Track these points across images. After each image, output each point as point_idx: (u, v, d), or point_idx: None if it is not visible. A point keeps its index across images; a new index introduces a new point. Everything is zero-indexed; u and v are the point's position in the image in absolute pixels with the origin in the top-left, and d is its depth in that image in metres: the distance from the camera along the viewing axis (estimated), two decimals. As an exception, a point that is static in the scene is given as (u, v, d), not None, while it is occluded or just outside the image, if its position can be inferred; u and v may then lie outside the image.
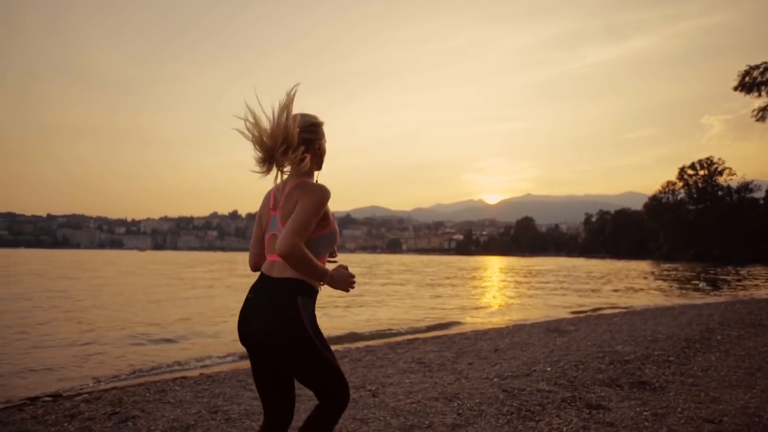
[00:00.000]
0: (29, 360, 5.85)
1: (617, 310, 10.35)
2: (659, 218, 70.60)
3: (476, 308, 11.26)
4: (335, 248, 1.77)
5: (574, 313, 10.39)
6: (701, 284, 19.32)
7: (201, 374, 4.77)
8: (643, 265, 45.33)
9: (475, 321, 9.13)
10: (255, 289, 1.61)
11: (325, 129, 1.73)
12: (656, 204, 72.40)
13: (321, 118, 1.73)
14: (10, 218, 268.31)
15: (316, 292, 1.63)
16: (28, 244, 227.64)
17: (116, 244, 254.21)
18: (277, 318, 1.52)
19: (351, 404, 3.26)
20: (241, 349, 6.30)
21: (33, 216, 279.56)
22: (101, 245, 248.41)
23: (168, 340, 7.03)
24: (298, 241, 1.47)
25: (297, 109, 1.64)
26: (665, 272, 30.94)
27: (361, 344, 6.29)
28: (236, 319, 1.66)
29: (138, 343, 6.79)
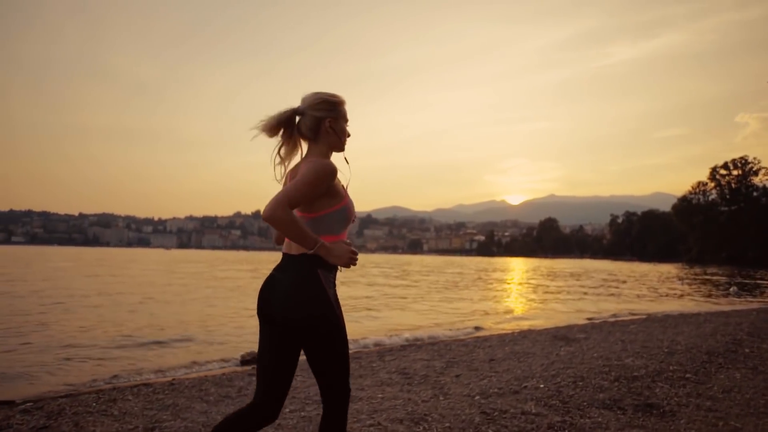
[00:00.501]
0: (13, 361, 5.64)
1: (636, 317, 9.67)
2: (689, 220, 67.96)
3: (488, 313, 10.71)
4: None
5: (590, 318, 9.78)
6: (732, 289, 18.19)
7: (172, 380, 4.45)
8: (671, 269, 43.58)
9: (484, 326, 8.62)
10: (277, 268, 1.61)
11: (347, 130, 1.69)
12: (686, 205, 69.73)
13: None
14: (45, 217, 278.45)
15: (336, 266, 1.59)
16: (61, 242, 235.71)
17: (143, 242, 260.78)
18: (302, 293, 1.51)
19: (301, 424, 2.86)
20: (227, 355, 6.01)
21: (66, 215, 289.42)
22: (129, 243, 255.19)
23: (162, 343, 6.72)
24: (283, 204, 1.43)
25: None
26: (695, 276, 29.55)
27: (352, 351, 5.88)
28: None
29: (129, 346, 6.51)
